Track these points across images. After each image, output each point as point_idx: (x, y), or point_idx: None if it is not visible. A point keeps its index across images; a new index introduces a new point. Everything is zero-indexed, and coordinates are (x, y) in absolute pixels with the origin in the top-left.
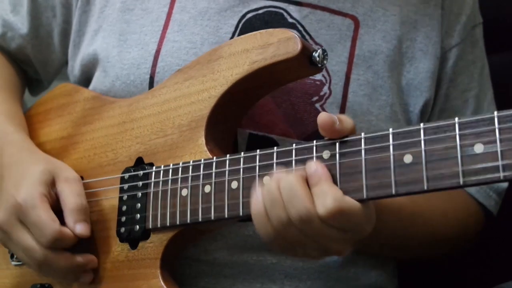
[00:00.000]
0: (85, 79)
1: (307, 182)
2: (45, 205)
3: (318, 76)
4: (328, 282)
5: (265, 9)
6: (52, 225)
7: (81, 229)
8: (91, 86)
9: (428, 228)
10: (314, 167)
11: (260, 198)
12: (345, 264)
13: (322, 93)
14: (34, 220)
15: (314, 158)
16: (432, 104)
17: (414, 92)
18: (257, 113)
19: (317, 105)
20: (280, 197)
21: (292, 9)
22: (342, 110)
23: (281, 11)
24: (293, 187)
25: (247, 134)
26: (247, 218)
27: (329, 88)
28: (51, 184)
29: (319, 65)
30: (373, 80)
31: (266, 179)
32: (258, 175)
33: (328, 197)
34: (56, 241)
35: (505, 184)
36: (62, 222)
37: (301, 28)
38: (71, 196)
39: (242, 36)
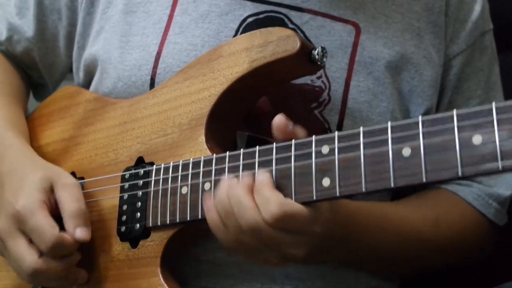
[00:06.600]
0: (89, 81)
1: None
2: (44, 212)
3: (318, 82)
4: (328, 282)
5: (266, 14)
6: (52, 230)
7: (81, 233)
8: (93, 87)
9: (412, 237)
10: (258, 176)
11: (211, 206)
12: None
13: (321, 99)
14: (33, 227)
15: (313, 152)
16: (435, 112)
17: (416, 99)
18: (256, 116)
19: (316, 112)
20: (230, 207)
21: (293, 14)
22: (342, 116)
23: (282, 16)
24: (240, 198)
25: (245, 137)
26: None
27: (328, 94)
28: (50, 191)
29: (319, 63)
30: (373, 86)
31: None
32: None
33: (271, 203)
34: (56, 247)
35: (508, 193)
36: (63, 229)
37: (301, 34)
38: (70, 201)
39: (242, 35)
